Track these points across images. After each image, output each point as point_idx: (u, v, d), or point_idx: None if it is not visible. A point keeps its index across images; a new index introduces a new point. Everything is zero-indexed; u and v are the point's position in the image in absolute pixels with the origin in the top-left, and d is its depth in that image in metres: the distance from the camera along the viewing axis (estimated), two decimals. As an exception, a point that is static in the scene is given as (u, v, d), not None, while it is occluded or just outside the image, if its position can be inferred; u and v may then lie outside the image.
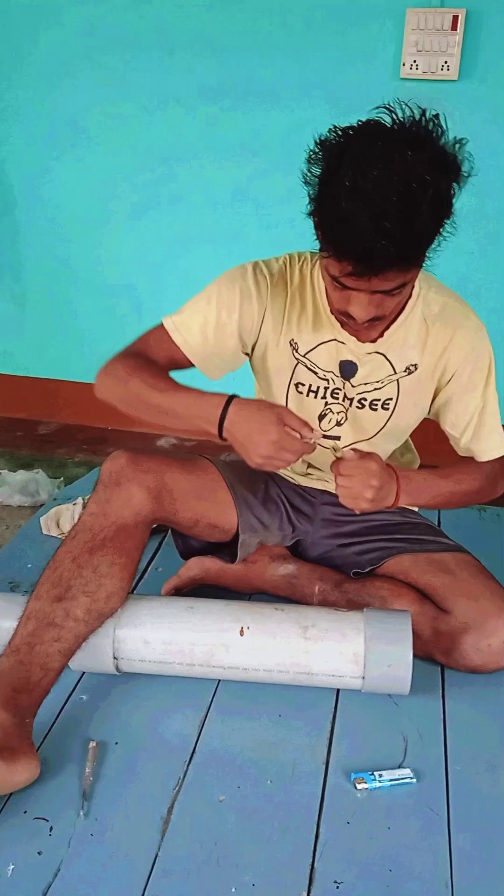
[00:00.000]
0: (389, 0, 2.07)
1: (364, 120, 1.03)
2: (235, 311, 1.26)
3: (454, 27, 2.05)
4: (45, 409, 2.78)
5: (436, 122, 1.02)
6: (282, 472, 1.51)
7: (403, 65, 2.11)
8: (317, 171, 1.03)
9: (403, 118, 1.01)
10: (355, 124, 1.03)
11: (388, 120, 1.01)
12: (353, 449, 1.21)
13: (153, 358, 1.27)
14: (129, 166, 2.41)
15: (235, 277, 1.27)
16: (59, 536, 1.72)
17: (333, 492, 1.47)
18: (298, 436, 1.13)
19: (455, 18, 2.04)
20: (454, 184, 1.01)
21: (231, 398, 1.15)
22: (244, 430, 1.13)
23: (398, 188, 0.95)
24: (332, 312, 1.24)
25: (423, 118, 1.01)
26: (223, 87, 2.26)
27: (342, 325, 1.24)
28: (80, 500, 1.80)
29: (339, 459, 1.20)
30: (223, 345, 1.28)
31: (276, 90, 2.22)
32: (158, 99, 2.31)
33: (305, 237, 1.12)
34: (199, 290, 1.31)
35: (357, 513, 1.25)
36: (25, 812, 1.06)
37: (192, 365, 1.29)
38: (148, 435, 2.69)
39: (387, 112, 1.01)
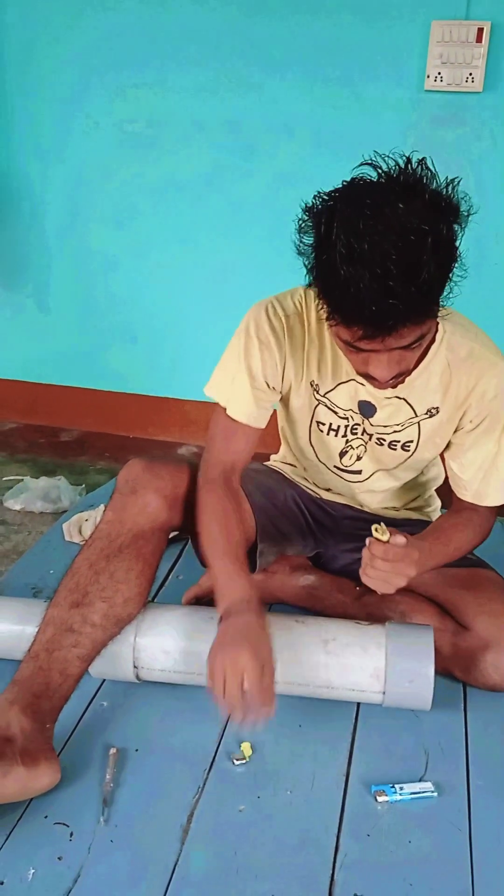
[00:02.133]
0: (414, 12, 2.08)
1: (348, 180, 1.00)
2: (259, 370, 1.26)
3: (479, 39, 2.06)
4: (68, 416, 2.81)
5: (423, 167, 0.98)
6: (303, 483, 1.51)
7: (428, 76, 2.12)
8: (308, 240, 1.00)
9: (389, 169, 0.98)
10: (339, 185, 1.00)
11: (373, 174, 0.98)
12: (389, 530, 1.15)
13: (221, 465, 1.31)
14: (155, 178, 2.44)
15: (251, 331, 1.25)
16: (81, 543, 1.73)
17: (355, 506, 1.48)
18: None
19: (480, 31, 2.05)
20: (455, 225, 0.98)
21: (237, 602, 1.16)
22: (224, 641, 1.12)
23: (396, 244, 0.91)
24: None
25: (409, 166, 0.97)
26: (248, 108, 2.28)
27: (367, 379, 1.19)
28: (101, 507, 1.81)
29: (382, 542, 1.13)
30: (268, 400, 1.30)
31: (300, 104, 2.23)
32: (178, 109, 2.33)
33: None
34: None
35: (380, 593, 1.21)
36: (46, 817, 1.06)
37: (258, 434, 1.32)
38: (169, 443, 2.71)
39: (370, 167, 0.99)
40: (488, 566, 1.42)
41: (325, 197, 1.00)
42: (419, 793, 1.11)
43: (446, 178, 0.99)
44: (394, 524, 1.46)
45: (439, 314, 1.04)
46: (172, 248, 2.51)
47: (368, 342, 1.00)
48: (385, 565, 1.14)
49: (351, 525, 1.49)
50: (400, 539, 1.13)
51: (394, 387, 1.15)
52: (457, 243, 0.99)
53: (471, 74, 2.10)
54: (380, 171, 0.98)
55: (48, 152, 2.48)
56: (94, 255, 2.59)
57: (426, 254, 0.93)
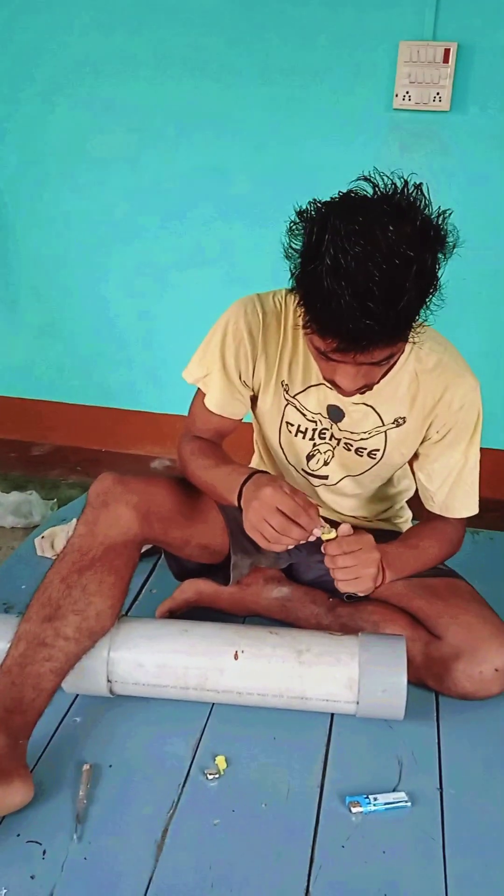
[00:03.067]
0: (383, 32, 2.12)
1: (344, 192, 1.02)
2: (233, 364, 1.29)
3: (446, 60, 2.10)
4: (39, 430, 2.79)
5: (419, 192, 0.99)
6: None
7: (396, 96, 2.15)
8: (297, 244, 1.01)
9: (385, 189, 0.99)
10: (336, 196, 1.01)
11: (368, 190, 1.00)
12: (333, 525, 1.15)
13: (203, 436, 1.38)
14: (124, 191, 2.44)
15: (230, 324, 1.27)
16: (53, 557, 1.71)
17: (328, 517, 1.49)
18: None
19: (447, 51, 2.09)
20: (440, 255, 0.99)
21: (251, 475, 1.19)
22: (249, 511, 1.13)
23: (381, 266, 0.92)
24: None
25: (406, 189, 0.99)
26: (216, 129, 2.30)
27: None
28: (73, 521, 1.80)
29: (333, 539, 1.12)
30: (241, 394, 1.33)
31: (271, 121, 2.26)
32: (152, 123, 2.35)
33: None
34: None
35: (360, 595, 1.22)
36: (18, 835, 1.05)
37: (237, 421, 1.36)
38: (142, 457, 2.70)
39: (367, 182, 1.00)
40: (459, 576, 1.44)
41: (319, 205, 1.01)
42: (393, 803, 1.12)
43: (438, 207, 1.00)
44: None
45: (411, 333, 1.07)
46: (144, 258, 2.51)
47: (340, 355, 1.02)
48: (347, 559, 1.14)
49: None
50: (345, 528, 1.14)
51: (361, 393, 1.17)
52: (439, 273, 1.00)
53: (438, 94, 2.14)
54: (376, 188, 0.99)
55: (14, 158, 2.47)
56: (63, 266, 2.58)
57: (409, 281, 0.94)
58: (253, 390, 1.34)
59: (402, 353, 1.21)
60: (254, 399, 1.36)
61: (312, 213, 1.00)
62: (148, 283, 2.54)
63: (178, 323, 2.53)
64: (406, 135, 2.21)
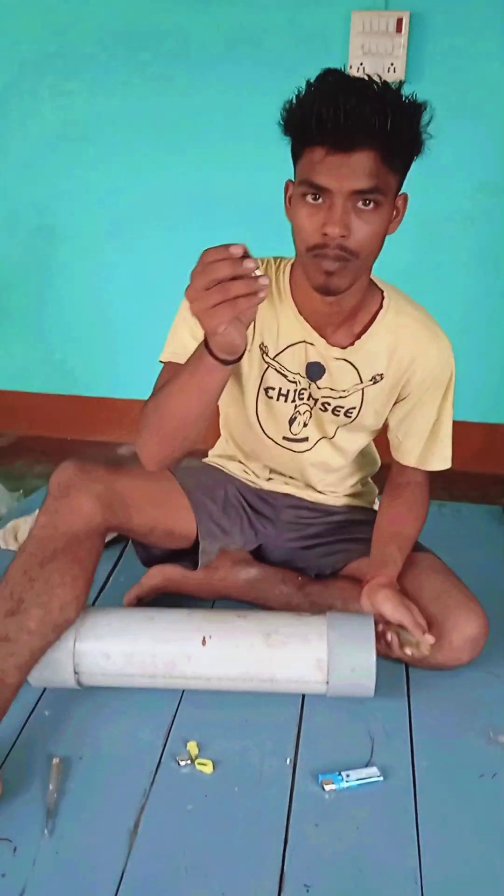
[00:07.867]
0: (335, 3, 2.09)
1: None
2: None
3: (399, 29, 2.07)
4: (4, 420, 2.74)
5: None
6: (243, 476, 1.50)
7: (350, 67, 2.12)
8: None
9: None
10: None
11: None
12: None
13: None
14: (99, 181, 2.40)
15: None
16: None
17: (296, 495, 1.48)
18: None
19: (399, 21, 2.06)
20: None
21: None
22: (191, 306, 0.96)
23: (373, 80, 1.03)
24: (304, 252, 1.12)
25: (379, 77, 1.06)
26: (168, 102, 2.26)
27: (316, 287, 1.13)
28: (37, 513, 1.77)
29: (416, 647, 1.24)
30: None
31: (224, 98, 2.22)
32: (121, 116, 2.30)
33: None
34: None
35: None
36: (-12, 834, 1.03)
37: None
38: (108, 443, 2.67)
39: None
40: (427, 549, 1.44)
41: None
42: (365, 778, 1.12)
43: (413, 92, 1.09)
44: (336, 512, 1.47)
45: (385, 293, 1.20)
46: (105, 245, 2.47)
47: (328, 171, 1.03)
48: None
49: (292, 514, 1.49)
50: (429, 638, 1.23)
51: (343, 348, 1.18)
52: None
53: (392, 64, 2.11)
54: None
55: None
56: (25, 253, 2.53)
57: (394, 87, 1.04)
58: None
59: (381, 308, 1.26)
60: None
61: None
62: (110, 268, 2.49)
63: (143, 307, 2.49)
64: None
